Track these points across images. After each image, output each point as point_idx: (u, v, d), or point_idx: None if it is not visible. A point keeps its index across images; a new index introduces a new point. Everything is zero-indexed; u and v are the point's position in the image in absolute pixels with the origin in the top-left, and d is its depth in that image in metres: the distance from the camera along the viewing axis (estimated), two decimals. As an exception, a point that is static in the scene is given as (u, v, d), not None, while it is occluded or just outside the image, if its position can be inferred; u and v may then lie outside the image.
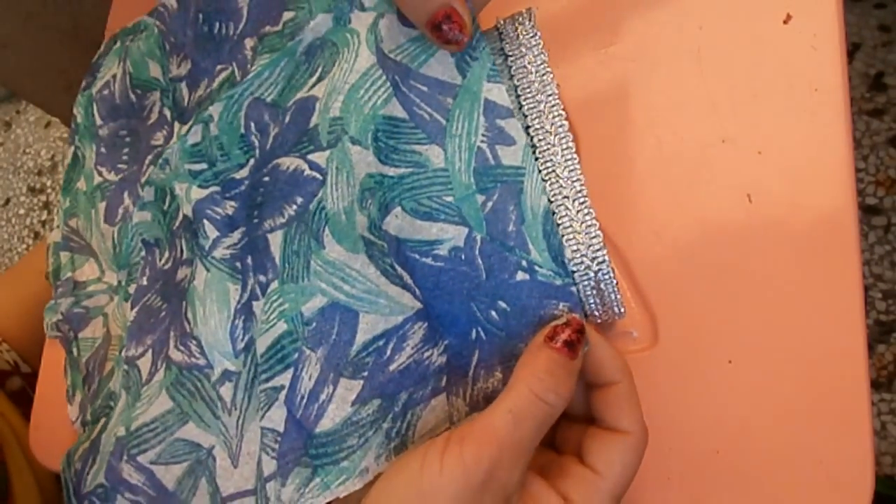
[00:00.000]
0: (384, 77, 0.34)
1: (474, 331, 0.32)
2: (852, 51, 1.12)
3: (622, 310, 0.32)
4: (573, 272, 0.31)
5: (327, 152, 0.35)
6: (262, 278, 0.35)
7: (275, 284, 0.35)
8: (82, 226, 0.49)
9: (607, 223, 0.36)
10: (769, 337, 0.33)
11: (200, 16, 0.43)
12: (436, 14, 0.29)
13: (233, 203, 0.38)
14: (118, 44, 0.50)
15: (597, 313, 0.32)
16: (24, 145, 1.73)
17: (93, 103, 0.49)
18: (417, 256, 0.33)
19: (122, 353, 0.41)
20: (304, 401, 0.32)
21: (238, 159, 0.38)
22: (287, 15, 0.40)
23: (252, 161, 0.38)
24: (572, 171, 0.31)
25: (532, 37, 0.33)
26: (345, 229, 0.34)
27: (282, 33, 0.40)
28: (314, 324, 0.33)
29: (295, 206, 0.35)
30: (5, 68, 0.85)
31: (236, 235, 0.37)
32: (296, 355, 0.33)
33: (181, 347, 0.36)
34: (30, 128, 1.74)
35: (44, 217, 1.65)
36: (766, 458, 0.32)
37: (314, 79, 0.37)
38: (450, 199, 0.33)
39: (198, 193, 0.38)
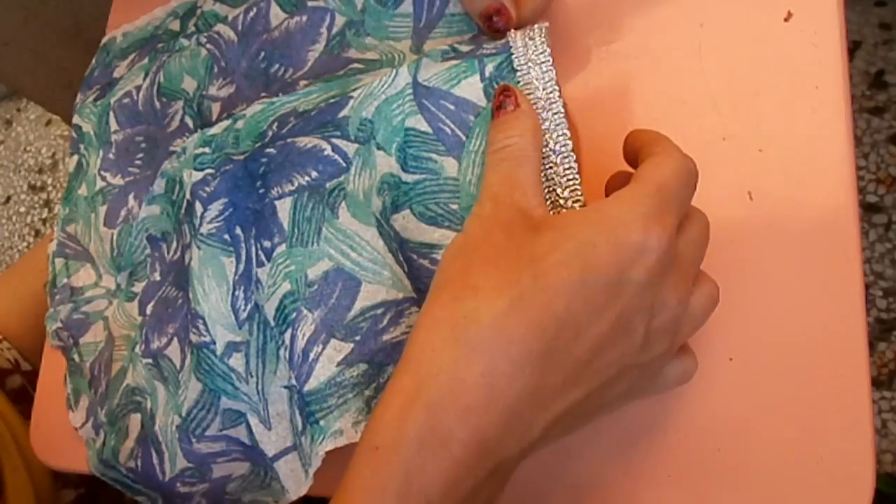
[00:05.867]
0: (413, 99, 0.35)
1: None
2: (853, 48, 1.12)
3: None
4: None
5: (355, 146, 0.36)
6: (266, 244, 0.36)
7: (282, 248, 0.35)
8: (80, 231, 0.49)
9: (608, 221, 0.36)
10: (770, 335, 0.33)
11: (262, 53, 0.44)
12: (489, 7, 0.35)
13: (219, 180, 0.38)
14: (146, 60, 0.50)
15: None
16: (25, 143, 1.73)
17: (109, 112, 0.49)
18: (416, 257, 0.34)
19: (138, 349, 0.41)
20: (299, 360, 0.33)
21: (246, 148, 0.38)
22: (355, 65, 0.42)
23: (257, 145, 0.38)
24: (573, 191, 0.32)
25: (541, 53, 0.33)
26: (361, 205, 0.35)
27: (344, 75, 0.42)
28: (316, 286, 0.34)
29: (308, 178, 0.36)
30: (6, 66, 0.85)
31: (216, 207, 0.37)
32: (294, 314, 0.34)
33: (193, 329, 0.37)
34: (30, 125, 1.74)
35: (44, 215, 1.65)
36: (767, 457, 0.32)
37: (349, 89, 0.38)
38: (455, 206, 0.34)
39: (195, 176, 0.38)
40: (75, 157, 0.51)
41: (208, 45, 0.46)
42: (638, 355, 0.27)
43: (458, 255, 0.28)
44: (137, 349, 0.41)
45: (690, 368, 0.31)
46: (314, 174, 0.36)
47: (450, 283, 0.27)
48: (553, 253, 0.26)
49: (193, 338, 0.37)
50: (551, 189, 0.32)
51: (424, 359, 0.26)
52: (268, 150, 0.37)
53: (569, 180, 0.32)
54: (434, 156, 0.35)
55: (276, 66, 0.43)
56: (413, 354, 0.26)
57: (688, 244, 0.28)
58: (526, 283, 0.25)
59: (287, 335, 0.34)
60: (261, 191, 0.37)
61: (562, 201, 0.32)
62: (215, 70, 0.46)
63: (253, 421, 0.36)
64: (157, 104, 0.48)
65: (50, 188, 1.66)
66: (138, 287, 0.44)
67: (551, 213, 0.32)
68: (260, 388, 0.36)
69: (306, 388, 0.33)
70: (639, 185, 0.27)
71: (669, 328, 0.27)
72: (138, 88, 0.49)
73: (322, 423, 0.32)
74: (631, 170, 0.31)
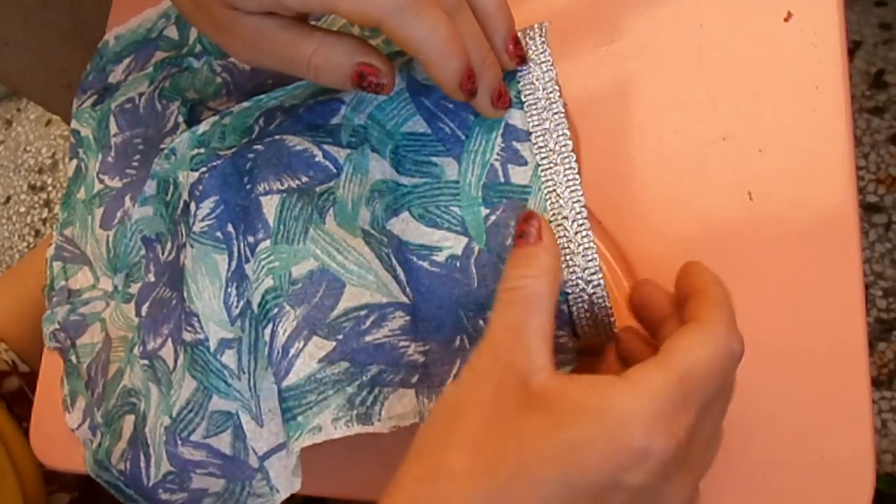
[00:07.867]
0: (410, 100, 0.35)
1: (458, 339, 0.33)
2: (853, 48, 1.12)
3: (615, 332, 0.32)
4: (568, 294, 0.31)
5: (347, 151, 0.36)
6: (251, 239, 0.36)
7: (265, 244, 0.35)
8: (77, 234, 0.49)
9: (608, 221, 0.36)
10: (770, 335, 0.33)
11: (270, 81, 0.44)
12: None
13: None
14: (151, 69, 0.50)
15: (589, 334, 0.32)
16: (25, 143, 1.73)
17: (110, 116, 0.49)
18: (416, 259, 0.34)
19: (136, 350, 0.41)
20: (279, 356, 0.33)
21: (232, 143, 0.38)
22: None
23: (244, 141, 0.38)
24: (573, 191, 0.32)
25: (542, 53, 0.33)
26: (347, 216, 0.35)
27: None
28: (300, 284, 0.34)
29: (298, 182, 0.36)
30: (6, 66, 0.85)
31: (208, 205, 0.37)
32: (276, 310, 0.34)
33: (187, 327, 0.37)
34: (30, 126, 1.74)
35: (44, 215, 1.65)
36: (767, 456, 0.32)
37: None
38: (456, 209, 0.34)
39: (192, 177, 0.38)
40: (74, 162, 0.51)
41: (223, 74, 0.47)
42: None
43: (443, 417, 0.26)
44: (136, 350, 0.41)
45: None
46: (304, 178, 0.36)
47: (427, 454, 0.26)
48: (541, 443, 0.24)
49: (188, 336, 0.37)
50: (551, 190, 0.32)
51: None
52: (255, 146, 0.37)
53: (569, 180, 0.32)
54: (434, 158, 0.34)
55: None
56: None
57: (709, 434, 0.26)
58: (505, 475, 0.23)
59: (267, 331, 0.34)
60: (248, 186, 0.37)
61: (562, 200, 0.32)
62: (223, 92, 0.47)
63: (245, 418, 0.36)
64: (158, 106, 0.48)
65: (50, 188, 1.66)
66: (134, 288, 0.44)
67: (550, 215, 0.32)
68: (252, 384, 0.36)
69: (284, 383, 0.32)
70: (659, 369, 0.24)
71: None
72: (141, 95, 0.49)
73: (300, 418, 0.32)
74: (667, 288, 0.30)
